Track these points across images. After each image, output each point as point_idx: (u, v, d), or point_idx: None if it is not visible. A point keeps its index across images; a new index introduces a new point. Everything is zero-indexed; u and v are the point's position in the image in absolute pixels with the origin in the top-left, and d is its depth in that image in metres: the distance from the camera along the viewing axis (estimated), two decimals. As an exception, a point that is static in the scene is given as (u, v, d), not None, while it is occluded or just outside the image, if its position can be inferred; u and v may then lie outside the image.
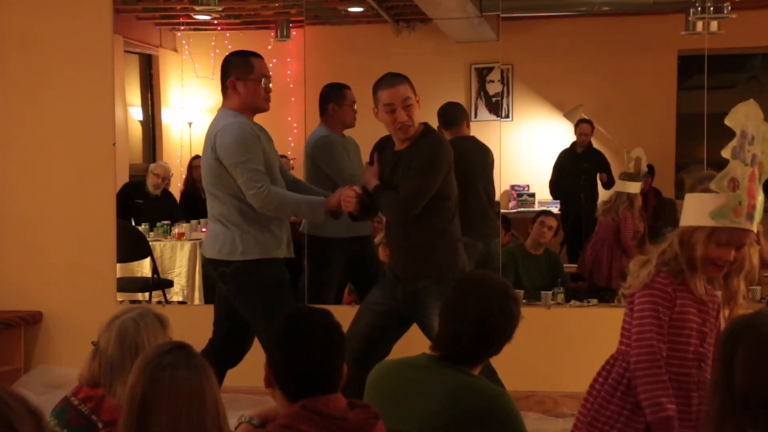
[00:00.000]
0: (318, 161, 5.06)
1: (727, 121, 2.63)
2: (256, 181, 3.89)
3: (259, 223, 3.98)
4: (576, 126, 7.35)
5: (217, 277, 4.11)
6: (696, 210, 2.64)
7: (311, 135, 5.21)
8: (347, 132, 5.28)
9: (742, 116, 2.61)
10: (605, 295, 5.90)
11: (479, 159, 5.38)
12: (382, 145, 4.01)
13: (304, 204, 3.99)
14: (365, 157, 5.18)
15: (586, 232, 7.19)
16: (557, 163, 7.46)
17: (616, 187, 6.46)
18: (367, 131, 5.20)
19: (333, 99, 5.17)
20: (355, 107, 5.19)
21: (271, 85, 4.09)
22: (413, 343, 3.83)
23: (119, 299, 5.81)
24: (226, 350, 4.14)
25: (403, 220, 3.83)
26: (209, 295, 6.46)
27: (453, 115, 5.47)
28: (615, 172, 7.44)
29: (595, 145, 7.43)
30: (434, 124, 5.27)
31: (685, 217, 2.67)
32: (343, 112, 5.16)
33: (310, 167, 5.10)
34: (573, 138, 7.72)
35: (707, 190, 2.61)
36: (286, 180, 4.16)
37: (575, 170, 7.34)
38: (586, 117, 7.41)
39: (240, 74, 4.01)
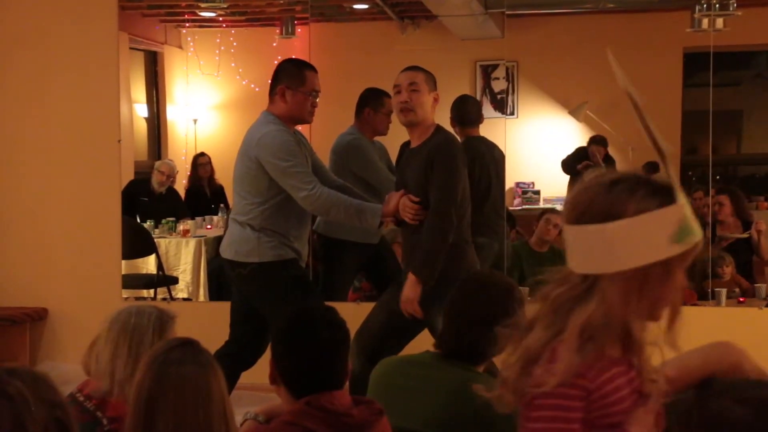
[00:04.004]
0: (350, 164, 4.98)
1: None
2: (306, 183, 3.90)
3: (281, 233, 4.00)
4: (589, 145, 7.34)
5: (234, 278, 4.12)
6: (634, 242, 1.68)
7: (342, 136, 5.15)
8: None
9: None
10: None
11: (493, 159, 5.39)
12: (404, 147, 4.04)
13: (358, 209, 3.95)
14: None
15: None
16: (570, 159, 7.43)
17: None
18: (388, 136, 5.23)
19: (370, 104, 5.12)
20: (391, 117, 5.11)
21: (318, 99, 4.10)
22: (418, 341, 3.84)
23: (124, 296, 5.82)
24: (242, 352, 4.15)
25: (452, 230, 3.75)
26: (214, 291, 6.48)
27: (476, 114, 5.49)
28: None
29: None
30: (447, 117, 5.30)
31: (609, 259, 1.70)
32: (377, 119, 5.12)
33: (338, 167, 4.97)
34: (578, 135, 7.73)
35: (645, 210, 1.70)
36: (335, 185, 4.14)
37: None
38: (598, 136, 7.38)
39: (291, 83, 4.01)
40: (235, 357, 4.09)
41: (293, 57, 4.20)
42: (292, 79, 4.02)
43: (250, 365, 4.17)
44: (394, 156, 5.18)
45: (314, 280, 5.28)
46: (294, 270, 4.07)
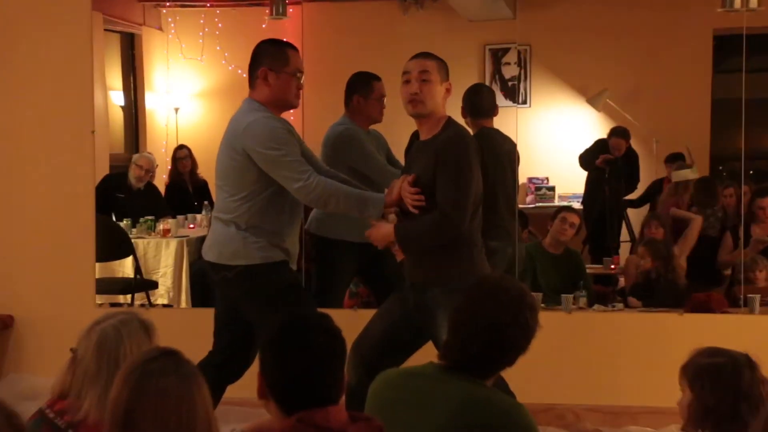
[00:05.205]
0: (343, 156, 4.99)
1: None
2: (300, 172, 3.90)
3: (271, 232, 4.01)
4: (609, 137, 7.35)
5: (218, 283, 4.12)
6: None
7: (333, 126, 5.17)
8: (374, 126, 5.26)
9: None
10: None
11: (507, 153, 5.41)
12: (414, 138, 4.05)
13: (360, 199, 3.96)
14: (396, 151, 5.21)
15: (611, 228, 7.20)
16: (588, 153, 7.44)
17: None
18: (387, 124, 5.23)
19: (359, 90, 5.13)
20: (384, 101, 5.13)
21: (303, 81, 4.12)
22: (421, 352, 3.84)
23: (98, 302, 5.82)
24: (227, 363, 4.15)
25: (452, 236, 3.76)
26: (197, 297, 6.49)
27: (490, 104, 5.51)
28: (643, 165, 7.45)
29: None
30: (454, 106, 5.32)
31: None
32: (368, 106, 5.12)
33: (331, 160, 4.94)
34: (596, 126, 7.75)
35: None
36: (328, 176, 4.14)
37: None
38: (619, 127, 7.40)
39: (273, 65, 4.03)
40: (220, 368, 4.10)
41: (271, 38, 4.20)
42: (274, 61, 4.04)
43: (236, 377, 4.18)
44: (395, 145, 5.20)
45: (307, 284, 5.28)
46: (284, 273, 4.08)
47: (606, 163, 7.24)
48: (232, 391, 4.18)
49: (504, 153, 5.37)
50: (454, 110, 5.17)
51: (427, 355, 3.19)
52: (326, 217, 5.06)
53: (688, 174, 6.83)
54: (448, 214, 3.70)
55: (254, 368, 2.31)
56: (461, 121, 5.29)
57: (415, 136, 4.08)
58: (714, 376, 2.68)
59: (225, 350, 4.19)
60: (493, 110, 5.51)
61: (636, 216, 7.35)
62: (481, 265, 3.88)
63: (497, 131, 5.46)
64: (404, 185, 3.82)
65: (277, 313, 3.82)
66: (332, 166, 4.64)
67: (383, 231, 3.87)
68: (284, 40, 4.21)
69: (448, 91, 3.87)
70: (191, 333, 4.30)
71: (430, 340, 3.93)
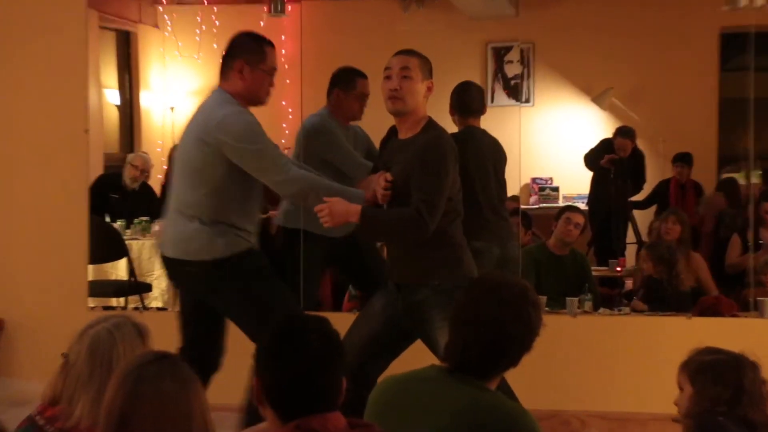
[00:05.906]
0: (315, 148, 5.01)
1: None
2: (281, 165, 3.91)
3: (235, 226, 3.99)
4: (614, 137, 7.34)
5: (181, 277, 4.10)
6: None
7: (308, 117, 5.23)
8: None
9: None
10: None
11: (493, 156, 5.38)
12: (389, 135, 4.02)
13: (341, 193, 3.91)
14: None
15: (617, 230, 7.18)
16: (593, 153, 7.42)
17: None
18: (373, 121, 5.19)
19: (339, 84, 5.14)
20: (366, 100, 5.13)
21: (275, 78, 4.13)
22: (421, 355, 3.81)
23: (91, 305, 5.81)
24: (202, 356, 4.11)
25: (419, 238, 3.73)
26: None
27: (479, 103, 5.48)
28: (649, 165, 7.43)
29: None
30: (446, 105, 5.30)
31: None
32: (347, 102, 5.12)
33: (304, 152, 5.03)
34: (602, 126, 7.73)
35: None
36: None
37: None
38: (625, 127, 7.38)
39: (251, 59, 4.03)
40: (197, 362, 4.04)
41: (249, 31, 4.20)
42: (251, 55, 4.04)
43: (215, 368, 4.16)
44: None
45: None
46: (254, 260, 4.05)
47: (611, 163, 7.22)
48: (229, 397, 4.15)
49: (486, 153, 5.33)
50: (444, 108, 5.17)
51: (424, 356, 3.16)
52: (293, 209, 5.09)
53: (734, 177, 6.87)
54: (421, 215, 3.68)
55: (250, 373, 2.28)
56: (448, 118, 5.28)
57: (393, 129, 4.05)
58: (717, 372, 2.76)
59: (195, 343, 4.16)
60: (481, 109, 5.49)
61: (642, 217, 7.34)
62: (469, 265, 3.87)
63: (483, 131, 5.43)
64: (379, 180, 3.82)
65: (251, 304, 3.91)
66: (305, 157, 4.66)
67: (343, 208, 3.74)
68: (262, 35, 4.19)
69: (429, 89, 3.86)
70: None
71: (412, 342, 3.92)
